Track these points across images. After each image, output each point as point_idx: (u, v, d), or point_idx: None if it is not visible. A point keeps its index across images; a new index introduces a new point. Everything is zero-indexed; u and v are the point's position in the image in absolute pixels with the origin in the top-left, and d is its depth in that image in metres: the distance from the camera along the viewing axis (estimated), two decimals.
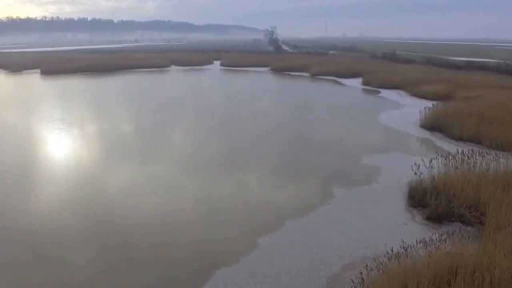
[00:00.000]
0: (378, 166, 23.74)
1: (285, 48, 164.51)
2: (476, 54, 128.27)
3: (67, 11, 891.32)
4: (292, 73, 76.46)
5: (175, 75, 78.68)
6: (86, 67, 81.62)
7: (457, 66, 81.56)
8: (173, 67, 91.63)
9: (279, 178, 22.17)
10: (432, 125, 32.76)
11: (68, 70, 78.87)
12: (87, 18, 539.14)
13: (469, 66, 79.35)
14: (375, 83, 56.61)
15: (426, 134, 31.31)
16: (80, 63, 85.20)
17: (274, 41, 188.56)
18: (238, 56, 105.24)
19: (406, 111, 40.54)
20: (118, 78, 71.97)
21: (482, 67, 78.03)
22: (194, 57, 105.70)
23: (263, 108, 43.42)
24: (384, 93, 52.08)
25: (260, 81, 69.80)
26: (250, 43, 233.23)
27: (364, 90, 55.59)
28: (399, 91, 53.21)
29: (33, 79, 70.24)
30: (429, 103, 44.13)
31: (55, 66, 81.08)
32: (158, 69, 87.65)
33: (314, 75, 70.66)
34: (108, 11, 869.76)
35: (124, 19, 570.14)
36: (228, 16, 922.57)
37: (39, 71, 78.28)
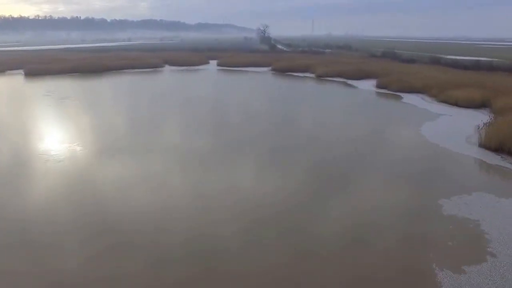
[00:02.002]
0: (472, 219, 15.82)
1: (279, 46, 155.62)
2: (466, 52, 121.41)
3: (61, 10, 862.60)
4: (295, 73, 68.06)
5: (170, 77, 69.63)
6: (74, 68, 72.25)
7: (465, 66, 74.11)
8: (167, 67, 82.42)
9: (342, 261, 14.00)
10: (498, 145, 24.91)
11: (54, 71, 69.61)
12: (80, 17, 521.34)
13: (477, 66, 72.01)
14: (394, 86, 48.56)
15: (495, 159, 23.42)
16: (68, 64, 75.71)
17: (267, 40, 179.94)
18: (235, 56, 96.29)
19: (448, 123, 32.69)
20: (107, 81, 62.88)
21: (490, 67, 70.75)
22: (188, 56, 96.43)
23: (280, 120, 35.06)
24: (407, 98, 44.16)
25: (264, 84, 59.97)
26: (242, 42, 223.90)
27: (382, 94, 47.52)
28: (421, 95, 45.47)
29: (13, 82, 60.85)
30: (465, 111, 37.15)
31: (40, 67, 71.57)
32: (152, 69, 78.48)
33: (321, 77, 62.39)
34: (102, 11, 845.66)
35: (117, 18, 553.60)
36: (218, 15, 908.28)
37: (23, 72, 68.93)
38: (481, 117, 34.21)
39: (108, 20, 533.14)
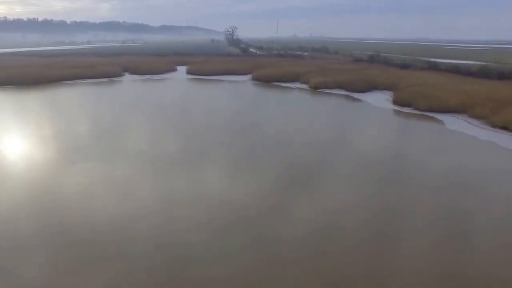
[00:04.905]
0: None
1: (251, 49, 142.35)
2: (443, 55, 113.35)
3: (18, 11, 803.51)
4: (282, 84, 55.21)
5: (129, 91, 54.88)
6: (9, 79, 56.47)
7: (470, 73, 64.26)
8: (127, 77, 67.37)
9: None
10: None
11: None
12: (37, 18, 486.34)
13: (486, 74, 61.85)
14: (421, 104, 36.65)
15: None
16: (3, 73, 59.67)
17: (236, 42, 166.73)
18: (206, 61, 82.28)
19: None
20: (49, 97, 47.84)
21: (501, 74, 60.78)
22: (152, 62, 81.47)
23: (298, 172, 22.40)
24: (449, 123, 32.17)
25: (251, 102, 44.84)
26: (210, 44, 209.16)
27: (411, 116, 35.39)
28: (462, 117, 34.01)
29: None
30: None
31: None
32: (108, 79, 63.48)
33: (317, 88, 49.84)
34: (62, 12, 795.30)
35: (78, 20, 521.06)
36: (182, 18, 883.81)
37: None
38: None
39: (68, 22, 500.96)
